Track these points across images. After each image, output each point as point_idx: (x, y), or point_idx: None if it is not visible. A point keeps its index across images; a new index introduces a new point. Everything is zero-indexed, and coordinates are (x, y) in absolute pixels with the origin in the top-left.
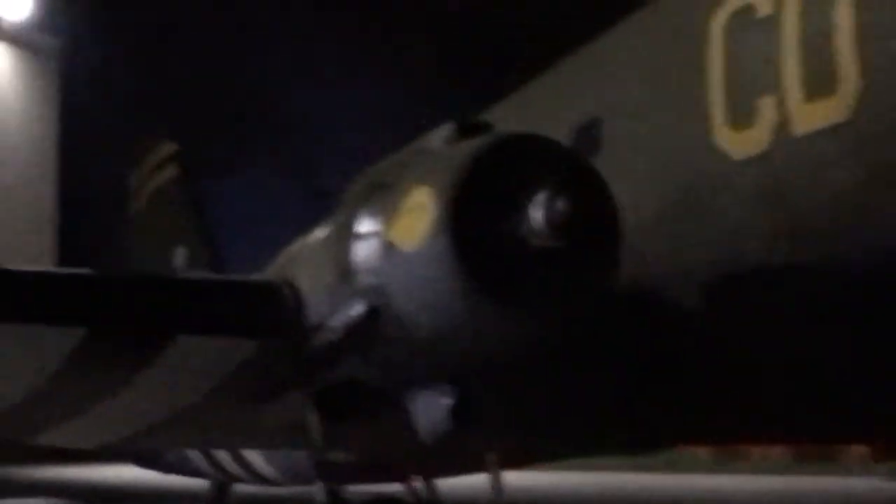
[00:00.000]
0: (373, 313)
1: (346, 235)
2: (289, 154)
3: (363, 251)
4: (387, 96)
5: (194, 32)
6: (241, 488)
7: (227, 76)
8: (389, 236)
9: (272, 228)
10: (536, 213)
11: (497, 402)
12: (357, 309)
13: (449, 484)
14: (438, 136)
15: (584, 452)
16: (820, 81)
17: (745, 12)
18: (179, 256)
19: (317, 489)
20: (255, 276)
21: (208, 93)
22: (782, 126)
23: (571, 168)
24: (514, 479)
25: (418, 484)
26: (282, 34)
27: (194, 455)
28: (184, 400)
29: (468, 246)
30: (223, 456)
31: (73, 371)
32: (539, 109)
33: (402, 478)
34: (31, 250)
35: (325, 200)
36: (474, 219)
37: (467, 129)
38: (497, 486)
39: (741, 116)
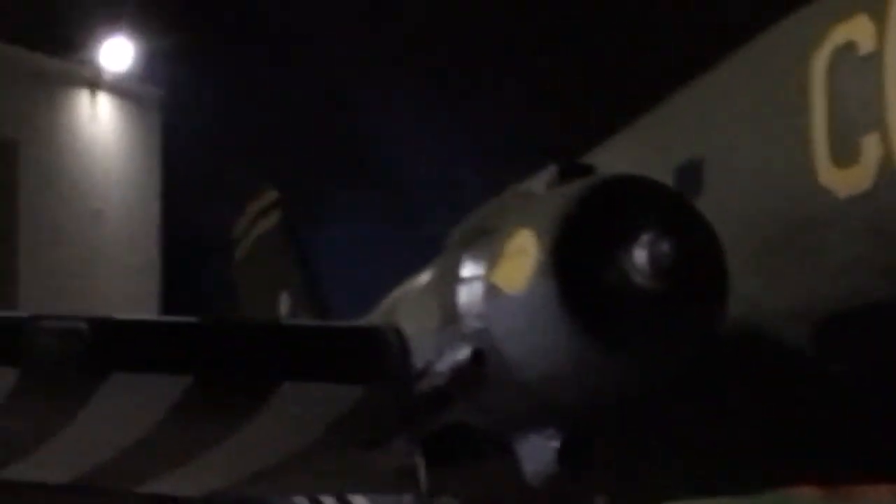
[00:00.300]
0: (478, 357)
1: (450, 280)
2: (390, 200)
3: (468, 295)
4: (488, 140)
5: (294, 80)
6: None
7: (328, 124)
8: (494, 280)
9: (374, 274)
10: (640, 256)
11: (604, 445)
12: (463, 353)
13: None
14: (541, 180)
15: (691, 494)
16: None
17: (848, 49)
18: (284, 303)
19: None
20: (360, 322)
21: (309, 141)
22: (887, 163)
23: (675, 209)
24: None
25: None
26: (383, 80)
27: (300, 501)
28: (290, 446)
29: (572, 289)
30: (329, 501)
31: (179, 419)
32: (641, 151)
33: None
34: (137, 297)
35: (429, 246)
36: (578, 262)
37: (569, 172)
38: None
39: (845, 154)
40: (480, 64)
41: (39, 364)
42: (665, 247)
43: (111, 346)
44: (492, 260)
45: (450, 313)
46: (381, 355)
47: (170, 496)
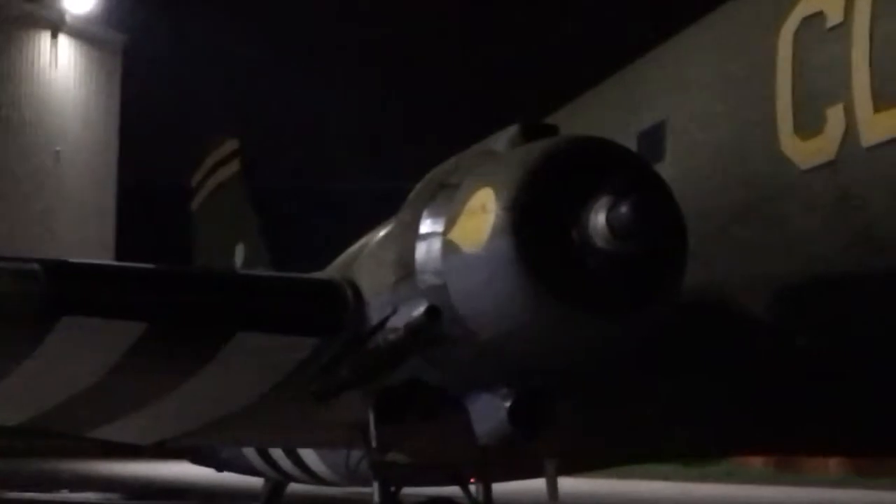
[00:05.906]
0: (434, 314)
1: (408, 235)
2: (353, 154)
3: (426, 251)
4: (451, 98)
5: (257, 27)
6: (296, 487)
7: (290, 73)
8: (452, 237)
9: (333, 227)
10: (599, 217)
11: (556, 406)
12: (418, 309)
13: (505, 488)
14: (503, 138)
15: (641, 459)
16: (889, 91)
17: (815, 19)
18: (239, 253)
19: (372, 490)
20: (317, 275)
21: (271, 89)
22: (850, 135)
23: (635, 173)
24: (571, 484)
25: (475, 487)
26: (349, 30)
27: (250, 453)
28: (241, 397)
29: (530, 248)
30: (279, 454)
31: (131, 366)
32: (604, 113)
33: (458, 480)
34: (93, 240)
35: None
36: (537, 221)
37: (532, 132)
38: (553, 491)
39: (808, 125)
40: (455, 21)
41: None
42: (623, 209)
43: (65, 290)
44: (451, 216)
45: (407, 269)
46: (335, 308)
47: (125, 442)
